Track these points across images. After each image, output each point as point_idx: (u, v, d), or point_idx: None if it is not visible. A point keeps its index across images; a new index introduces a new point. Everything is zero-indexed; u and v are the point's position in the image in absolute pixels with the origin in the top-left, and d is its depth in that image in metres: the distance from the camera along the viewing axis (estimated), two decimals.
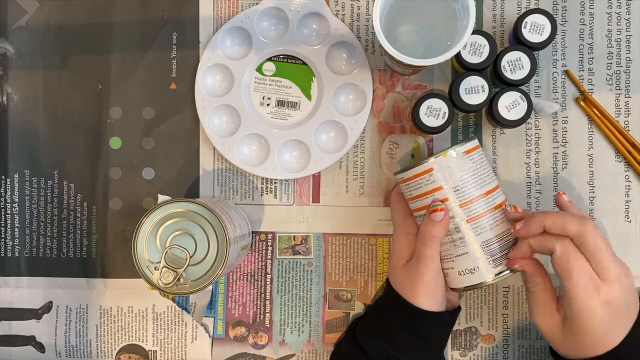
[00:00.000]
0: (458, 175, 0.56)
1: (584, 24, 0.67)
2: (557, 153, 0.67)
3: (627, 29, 0.67)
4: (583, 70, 0.67)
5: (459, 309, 0.62)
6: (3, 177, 0.70)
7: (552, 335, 0.55)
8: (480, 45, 0.62)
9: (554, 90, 0.67)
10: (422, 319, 0.58)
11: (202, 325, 0.68)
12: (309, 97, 0.67)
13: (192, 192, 0.69)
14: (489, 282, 0.57)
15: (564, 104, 0.67)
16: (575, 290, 0.51)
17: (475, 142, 0.58)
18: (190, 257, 0.57)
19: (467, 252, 0.56)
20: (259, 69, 0.68)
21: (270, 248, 0.68)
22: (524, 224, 0.55)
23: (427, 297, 0.58)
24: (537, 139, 0.67)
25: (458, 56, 0.62)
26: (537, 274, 0.55)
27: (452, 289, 0.59)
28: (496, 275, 0.57)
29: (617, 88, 0.67)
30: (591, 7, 0.67)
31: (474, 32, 0.61)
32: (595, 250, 0.51)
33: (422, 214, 0.58)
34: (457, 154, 0.56)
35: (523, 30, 0.62)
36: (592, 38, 0.67)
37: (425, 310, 0.57)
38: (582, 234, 0.51)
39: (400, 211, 0.62)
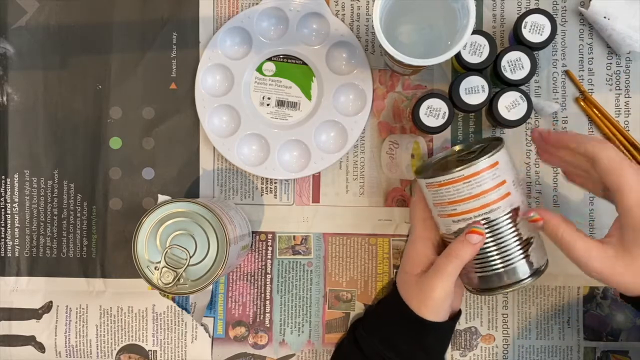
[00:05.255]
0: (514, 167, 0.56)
1: (584, 24, 0.67)
2: None
3: None
4: (583, 70, 0.67)
5: (459, 313, 0.62)
6: (3, 177, 0.70)
7: (611, 273, 0.49)
8: (480, 45, 0.62)
9: (554, 90, 0.67)
10: (425, 330, 0.57)
11: (202, 325, 0.68)
12: (309, 97, 0.67)
13: (192, 192, 0.69)
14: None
15: (564, 104, 0.67)
16: (634, 195, 0.47)
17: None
18: (190, 257, 0.57)
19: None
20: (259, 69, 0.68)
21: (270, 248, 0.68)
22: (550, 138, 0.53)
23: (435, 312, 0.57)
24: None
25: (458, 56, 0.62)
26: (560, 220, 0.51)
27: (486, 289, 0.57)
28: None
29: (617, 88, 0.67)
30: None
31: (474, 32, 0.61)
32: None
33: (460, 220, 0.55)
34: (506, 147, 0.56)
35: (523, 30, 0.62)
36: (592, 38, 0.67)
37: (430, 321, 0.57)
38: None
39: (420, 215, 0.60)
